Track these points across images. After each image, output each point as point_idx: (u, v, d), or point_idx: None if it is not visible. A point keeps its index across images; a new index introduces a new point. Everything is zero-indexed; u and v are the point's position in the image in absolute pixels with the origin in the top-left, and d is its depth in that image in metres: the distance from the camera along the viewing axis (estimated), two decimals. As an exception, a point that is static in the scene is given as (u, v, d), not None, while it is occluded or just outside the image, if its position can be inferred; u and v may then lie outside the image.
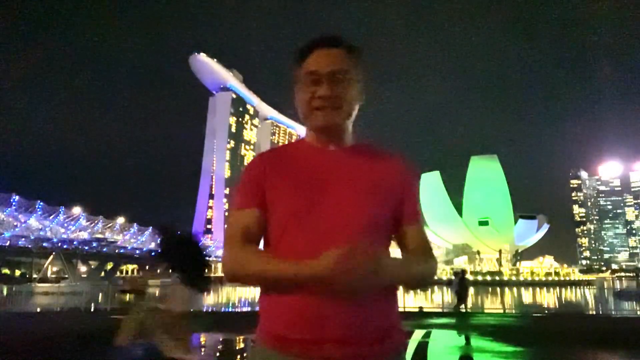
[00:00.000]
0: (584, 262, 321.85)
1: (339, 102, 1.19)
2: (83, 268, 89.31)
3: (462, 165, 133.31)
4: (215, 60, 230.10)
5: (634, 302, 21.69)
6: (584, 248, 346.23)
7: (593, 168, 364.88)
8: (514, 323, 13.26)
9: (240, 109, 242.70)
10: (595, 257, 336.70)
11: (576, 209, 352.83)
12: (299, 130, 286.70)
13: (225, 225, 1.04)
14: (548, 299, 36.49)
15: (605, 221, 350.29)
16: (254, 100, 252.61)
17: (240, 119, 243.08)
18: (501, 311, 18.30)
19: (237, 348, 9.87)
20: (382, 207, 1.19)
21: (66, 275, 79.15)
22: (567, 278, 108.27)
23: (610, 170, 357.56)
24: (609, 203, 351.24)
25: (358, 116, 1.26)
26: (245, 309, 22.09)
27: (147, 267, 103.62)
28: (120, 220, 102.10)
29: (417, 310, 16.50)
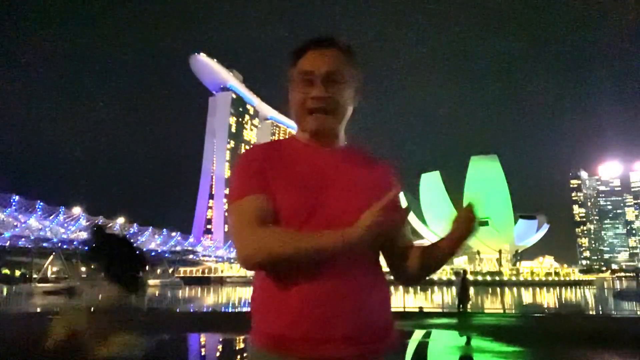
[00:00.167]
0: (584, 262, 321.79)
1: (332, 104, 1.19)
2: (83, 268, 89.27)
3: (462, 165, 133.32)
4: (215, 60, 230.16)
5: (634, 302, 21.66)
6: (584, 248, 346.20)
7: (593, 168, 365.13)
8: (514, 323, 13.24)
9: (240, 109, 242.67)
10: (595, 257, 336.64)
11: (576, 209, 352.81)
12: (299, 131, 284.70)
13: (228, 215, 1.22)
14: (548, 299, 36.48)
15: (605, 221, 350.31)
16: (254, 100, 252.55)
17: (240, 119, 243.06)
18: (501, 311, 18.30)
19: (235, 349, 9.87)
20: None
21: (66, 275, 79.15)
22: (567, 278, 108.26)
23: (610, 170, 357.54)
24: (609, 203, 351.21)
25: (358, 116, 1.26)
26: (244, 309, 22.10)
27: (147, 268, 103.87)
28: (120, 220, 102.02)
29: (417, 310, 16.48)
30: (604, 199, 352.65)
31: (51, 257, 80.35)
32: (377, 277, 1.19)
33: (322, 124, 1.20)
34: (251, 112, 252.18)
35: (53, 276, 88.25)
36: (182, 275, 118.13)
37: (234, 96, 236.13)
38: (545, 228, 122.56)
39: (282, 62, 1.26)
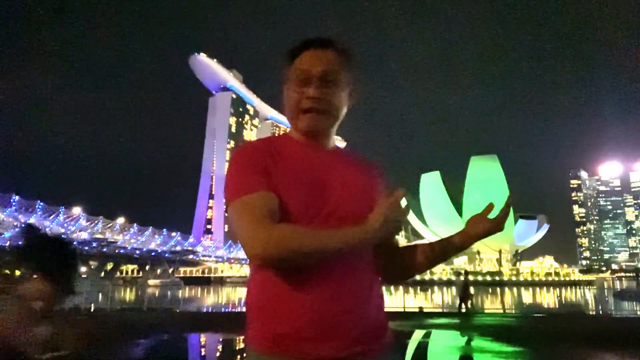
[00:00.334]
0: (584, 262, 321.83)
1: (326, 105, 1.20)
2: (83, 268, 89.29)
3: (462, 165, 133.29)
4: (215, 60, 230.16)
5: (634, 302, 21.65)
6: (584, 248, 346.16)
7: (593, 168, 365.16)
8: (514, 323, 13.25)
9: (240, 109, 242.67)
10: (595, 257, 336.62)
11: (576, 209, 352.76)
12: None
13: (232, 212, 1.13)
14: (548, 299, 36.46)
15: (605, 221, 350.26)
16: (254, 100, 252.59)
17: (240, 119, 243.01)
18: (501, 311, 18.28)
19: (235, 349, 9.87)
20: (370, 208, 1.19)
21: (66, 275, 79.03)
22: (567, 278, 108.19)
23: (610, 170, 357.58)
24: (609, 203, 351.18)
25: (359, 116, 1.30)
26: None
27: (147, 268, 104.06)
28: (120, 220, 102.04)
29: (417, 310, 16.47)
30: (604, 199, 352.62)
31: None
32: (374, 277, 1.20)
33: (316, 123, 1.20)
34: (251, 112, 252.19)
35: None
36: (182, 275, 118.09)
37: (234, 96, 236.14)
38: (545, 228, 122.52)
39: (282, 62, 1.26)
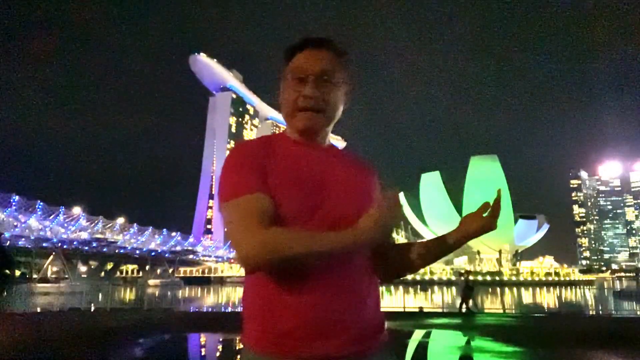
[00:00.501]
0: (584, 262, 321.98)
1: (323, 104, 1.19)
2: (83, 268, 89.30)
3: (462, 165, 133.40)
4: (215, 60, 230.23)
5: (634, 302, 21.66)
6: (584, 248, 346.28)
7: (593, 168, 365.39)
8: (514, 323, 13.24)
9: (240, 109, 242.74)
10: (595, 257, 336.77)
11: (576, 209, 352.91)
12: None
13: (224, 213, 1.10)
14: (548, 299, 36.48)
15: (605, 221, 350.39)
16: (254, 100, 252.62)
17: (240, 119, 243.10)
18: (501, 311, 18.29)
19: (235, 349, 9.87)
20: (367, 206, 1.19)
21: (66, 275, 79.16)
22: (567, 278, 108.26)
23: (610, 170, 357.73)
24: (609, 203, 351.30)
25: (359, 116, 1.31)
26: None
27: (147, 268, 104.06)
28: (120, 220, 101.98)
29: (417, 310, 16.48)
30: (604, 199, 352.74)
31: (51, 257, 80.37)
32: (371, 276, 1.20)
33: (312, 122, 1.20)
34: (251, 112, 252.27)
35: (53, 276, 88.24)
36: (182, 275, 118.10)
37: (234, 96, 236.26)
38: (545, 228, 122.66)
39: (280, 60, 1.25)
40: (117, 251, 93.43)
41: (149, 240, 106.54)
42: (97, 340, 9.69)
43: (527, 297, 39.07)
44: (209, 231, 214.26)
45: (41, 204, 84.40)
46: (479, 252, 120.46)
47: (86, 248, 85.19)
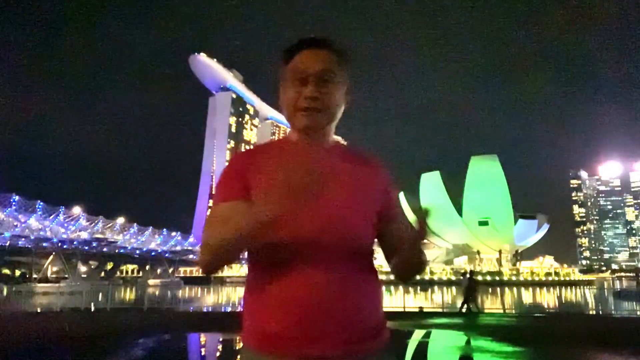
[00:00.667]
0: (584, 262, 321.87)
1: (323, 103, 1.20)
2: (83, 268, 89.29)
3: (462, 165, 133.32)
4: (215, 60, 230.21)
5: (634, 302, 21.65)
6: (584, 248, 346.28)
7: (593, 168, 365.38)
8: (514, 323, 13.25)
9: (240, 109, 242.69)
10: (595, 257, 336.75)
11: (576, 209, 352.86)
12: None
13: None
14: (548, 299, 36.48)
15: (605, 221, 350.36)
16: (254, 100, 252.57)
17: (240, 119, 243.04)
18: (501, 311, 18.29)
19: (235, 349, 9.88)
20: (370, 207, 1.21)
21: (66, 275, 79.14)
22: (567, 278, 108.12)
23: (610, 170, 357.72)
24: (609, 203, 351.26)
25: (360, 116, 1.31)
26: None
27: (147, 268, 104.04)
28: (120, 220, 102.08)
29: (417, 310, 16.47)
30: (604, 199, 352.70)
31: (51, 257, 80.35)
32: (369, 274, 1.18)
33: (313, 121, 1.20)
34: (251, 112, 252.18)
35: (53, 276, 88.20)
36: (182, 275, 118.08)
37: (234, 96, 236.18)
38: (545, 228, 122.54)
39: (280, 63, 1.25)
40: (117, 251, 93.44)
41: (149, 240, 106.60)
42: (97, 340, 9.69)
43: (527, 297, 39.05)
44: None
45: (41, 204, 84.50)
46: (478, 252, 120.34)
47: (86, 248, 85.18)
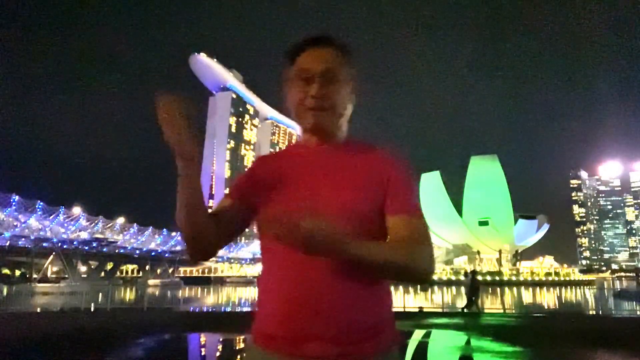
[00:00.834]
0: (584, 262, 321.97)
1: (329, 102, 1.20)
2: (83, 268, 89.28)
3: (462, 165, 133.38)
4: (215, 60, 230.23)
5: (634, 302, 21.62)
6: (584, 248, 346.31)
7: (593, 168, 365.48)
8: (514, 323, 13.24)
9: (240, 109, 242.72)
10: (595, 257, 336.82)
11: (576, 209, 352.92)
12: (299, 130, 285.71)
13: None
14: (548, 299, 36.48)
15: (605, 221, 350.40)
16: (254, 100, 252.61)
17: (240, 119, 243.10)
18: (501, 311, 18.28)
19: (235, 349, 9.87)
20: (363, 200, 1.15)
21: (66, 275, 79.15)
22: (567, 278, 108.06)
23: (610, 170, 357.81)
24: (609, 203, 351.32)
25: (360, 116, 1.27)
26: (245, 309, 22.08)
27: (147, 268, 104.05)
28: (120, 220, 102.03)
29: (417, 310, 16.46)
30: (604, 199, 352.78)
31: (51, 257, 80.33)
32: (364, 275, 1.13)
33: (320, 121, 1.21)
34: (251, 112, 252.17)
35: (53, 276, 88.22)
36: (182, 275, 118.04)
37: (234, 96, 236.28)
38: (545, 228, 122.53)
39: (282, 62, 1.25)
40: (117, 251, 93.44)
41: (149, 240, 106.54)
42: (97, 340, 9.69)
43: (527, 297, 39.04)
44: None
45: (41, 204, 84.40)
46: (478, 252, 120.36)
47: (86, 248, 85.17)
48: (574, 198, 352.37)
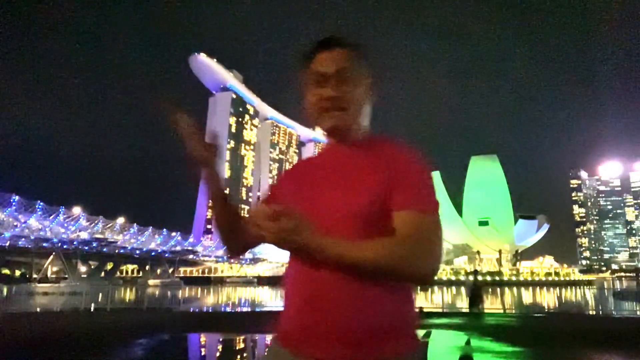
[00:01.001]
0: (584, 262, 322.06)
1: (344, 102, 1.21)
2: (83, 268, 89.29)
3: (462, 165, 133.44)
4: (215, 60, 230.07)
5: (634, 302, 21.64)
6: (584, 248, 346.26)
7: (593, 168, 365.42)
8: (514, 323, 13.24)
9: (240, 109, 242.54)
10: (595, 257, 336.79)
11: (576, 209, 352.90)
12: (299, 131, 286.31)
13: None
14: (548, 299, 36.49)
15: (605, 221, 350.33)
16: (254, 100, 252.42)
17: (240, 119, 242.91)
18: (501, 311, 18.28)
19: (235, 349, 9.87)
20: (369, 200, 1.13)
21: (66, 276, 79.15)
22: (567, 278, 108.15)
23: (610, 170, 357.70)
24: (609, 203, 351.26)
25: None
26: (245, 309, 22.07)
27: (147, 268, 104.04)
28: (120, 220, 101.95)
29: (417, 310, 16.46)
30: (604, 199, 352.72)
31: (51, 257, 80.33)
32: (372, 281, 1.11)
33: (337, 121, 1.21)
34: (251, 112, 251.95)
35: (53, 276, 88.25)
36: (182, 275, 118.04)
37: (234, 96, 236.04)
38: (545, 228, 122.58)
39: (282, 62, 1.32)
40: (117, 251, 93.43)
41: (149, 240, 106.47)
42: (97, 340, 9.68)
43: (527, 297, 39.07)
44: (209, 231, 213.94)
45: (41, 204, 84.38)
46: (479, 252, 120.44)
47: (86, 248, 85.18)
48: (574, 198, 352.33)
